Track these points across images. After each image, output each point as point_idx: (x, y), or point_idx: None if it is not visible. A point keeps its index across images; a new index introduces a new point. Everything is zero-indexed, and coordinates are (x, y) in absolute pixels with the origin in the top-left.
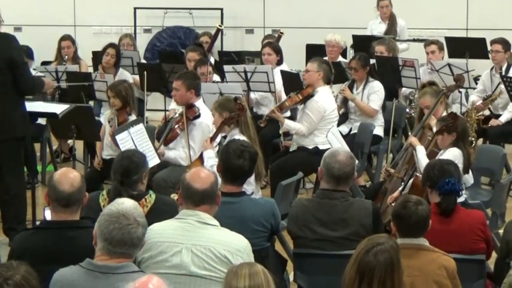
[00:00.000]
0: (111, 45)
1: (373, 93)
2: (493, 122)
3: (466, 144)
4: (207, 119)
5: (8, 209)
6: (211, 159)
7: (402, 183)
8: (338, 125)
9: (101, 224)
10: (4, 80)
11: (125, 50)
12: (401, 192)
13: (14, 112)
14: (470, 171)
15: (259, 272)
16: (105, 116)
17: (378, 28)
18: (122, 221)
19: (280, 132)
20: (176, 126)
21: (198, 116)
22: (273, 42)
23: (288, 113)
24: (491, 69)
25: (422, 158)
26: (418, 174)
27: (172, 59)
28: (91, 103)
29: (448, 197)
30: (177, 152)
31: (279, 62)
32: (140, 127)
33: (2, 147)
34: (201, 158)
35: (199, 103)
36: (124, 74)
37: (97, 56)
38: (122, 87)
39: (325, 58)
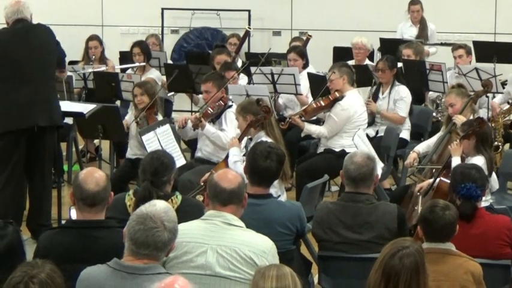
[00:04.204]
0: (133, 44)
1: (400, 100)
2: None
3: (487, 147)
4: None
5: (35, 203)
6: (235, 156)
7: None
8: None
9: (129, 224)
10: (50, 73)
11: (151, 50)
12: (432, 184)
13: (56, 101)
14: (495, 176)
15: (287, 274)
16: (129, 116)
17: (408, 32)
18: (148, 223)
19: (302, 135)
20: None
21: (227, 106)
22: (298, 46)
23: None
24: None
25: None
26: (442, 178)
27: (200, 60)
28: (118, 103)
29: (465, 201)
30: (219, 131)
31: (305, 66)
32: (167, 128)
33: (43, 135)
34: (226, 160)
35: None
36: (154, 73)
37: (124, 57)
38: (150, 85)
39: (351, 61)
